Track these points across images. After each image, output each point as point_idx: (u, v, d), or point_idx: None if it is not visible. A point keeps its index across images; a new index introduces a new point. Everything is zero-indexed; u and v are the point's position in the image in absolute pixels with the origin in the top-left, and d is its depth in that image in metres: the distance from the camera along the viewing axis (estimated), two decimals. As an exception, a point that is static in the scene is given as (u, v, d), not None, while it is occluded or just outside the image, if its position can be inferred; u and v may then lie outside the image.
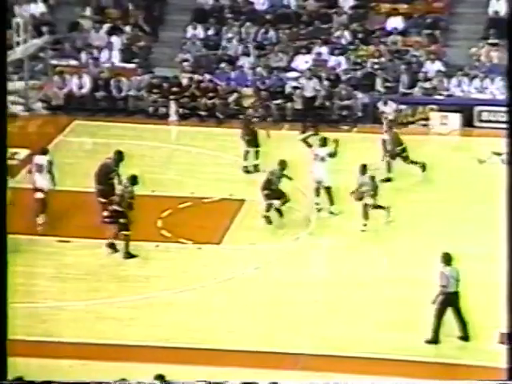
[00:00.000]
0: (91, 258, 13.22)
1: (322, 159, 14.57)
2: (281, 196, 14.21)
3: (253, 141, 16.14)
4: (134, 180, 13.41)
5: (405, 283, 12.37)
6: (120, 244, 13.28)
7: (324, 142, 14.98)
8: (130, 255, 13.26)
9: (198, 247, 13.60)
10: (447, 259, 11.21)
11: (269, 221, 14.15)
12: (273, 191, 14.13)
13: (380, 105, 17.47)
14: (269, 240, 13.76)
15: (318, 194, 14.63)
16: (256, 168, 16.04)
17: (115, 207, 13.33)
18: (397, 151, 15.62)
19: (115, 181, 14.03)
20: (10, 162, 15.62)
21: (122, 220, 13.14)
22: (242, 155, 16.15)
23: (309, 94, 18.64)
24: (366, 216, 13.87)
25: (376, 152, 16.40)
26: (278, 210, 14.22)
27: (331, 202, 14.47)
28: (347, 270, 12.89)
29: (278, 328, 11.56)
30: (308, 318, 11.77)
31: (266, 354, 11.03)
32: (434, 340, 11.22)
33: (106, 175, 14.04)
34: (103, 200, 13.95)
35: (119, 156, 14.13)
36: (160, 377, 8.85)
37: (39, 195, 14.08)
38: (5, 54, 7.57)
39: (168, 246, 13.57)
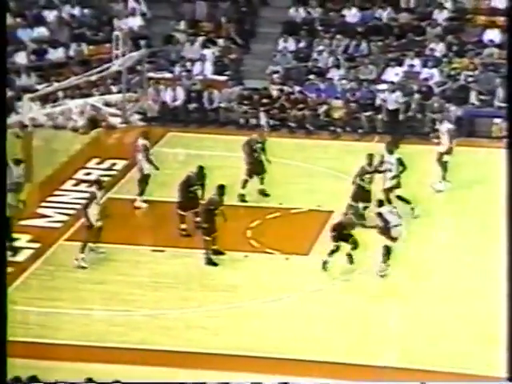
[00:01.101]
0: (182, 266, 13.51)
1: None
2: (351, 239, 13.17)
3: (255, 169, 15.44)
4: (221, 190, 13.62)
5: (492, 296, 12.13)
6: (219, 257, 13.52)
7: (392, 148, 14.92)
8: (210, 262, 13.48)
9: (286, 258, 13.70)
10: None
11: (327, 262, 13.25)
12: (344, 235, 13.13)
13: (437, 123, 17.11)
14: (359, 252, 13.72)
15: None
16: (263, 192, 15.48)
17: (201, 213, 13.57)
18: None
19: (198, 194, 14.23)
20: (108, 172, 16.57)
21: (205, 225, 13.40)
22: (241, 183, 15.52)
23: (391, 106, 18.47)
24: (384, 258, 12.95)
25: (468, 166, 16.17)
26: (350, 256, 13.23)
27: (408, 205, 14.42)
28: (437, 283, 12.74)
29: (365, 340, 11.53)
30: (396, 331, 11.72)
31: (351, 365, 11.02)
32: None
33: (187, 188, 14.29)
34: (182, 213, 14.23)
35: (201, 171, 14.38)
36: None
37: (138, 175, 15.43)
38: (5, 66, 8.07)
39: (256, 256, 13.74)
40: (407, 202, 14.78)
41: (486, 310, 11.82)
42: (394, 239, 12.97)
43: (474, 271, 13.14)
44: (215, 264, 13.51)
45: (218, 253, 13.66)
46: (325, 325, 11.92)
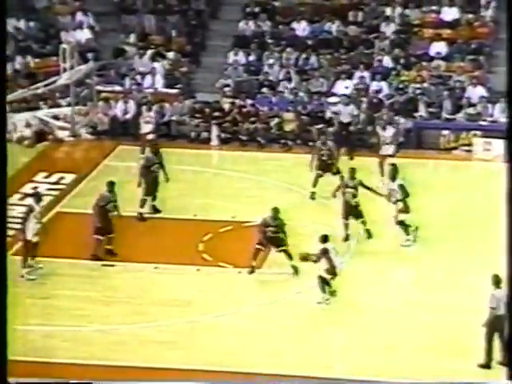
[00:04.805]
0: (133, 281, 13.35)
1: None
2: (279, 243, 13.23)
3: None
4: (111, 186, 13.80)
5: (448, 307, 12.26)
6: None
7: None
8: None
9: (239, 271, 13.63)
10: (497, 281, 11.06)
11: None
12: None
13: (378, 129, 17.17)
14: (310, 264, 13.71)
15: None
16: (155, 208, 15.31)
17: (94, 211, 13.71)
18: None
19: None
20: (56, 186, 16.22)
21: (98, 224, 13.53)
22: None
23: (345, 119, 18.62)
24: (322, 289, 12.58)
25: (418, 176, 16.32)
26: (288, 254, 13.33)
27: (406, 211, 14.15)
28: (392, 294, 12.82)
29: (318, 352, 11.50)
30: (350, 343, 11.69)
31: (306, 378, 10.97)
32: (487, 364, 11.05)
33: (103, 209, 13.68)
34: (100, 237, 13.65)
35: (110, 187, 13.90)
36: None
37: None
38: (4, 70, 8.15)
39: (209, 270, 13.64)
40: (406, 230, 14.19)
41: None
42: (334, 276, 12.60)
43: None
44: (111, 265, 13.38)
45: (111, 253, 13.63)
46: (279, 338, 11.85)
